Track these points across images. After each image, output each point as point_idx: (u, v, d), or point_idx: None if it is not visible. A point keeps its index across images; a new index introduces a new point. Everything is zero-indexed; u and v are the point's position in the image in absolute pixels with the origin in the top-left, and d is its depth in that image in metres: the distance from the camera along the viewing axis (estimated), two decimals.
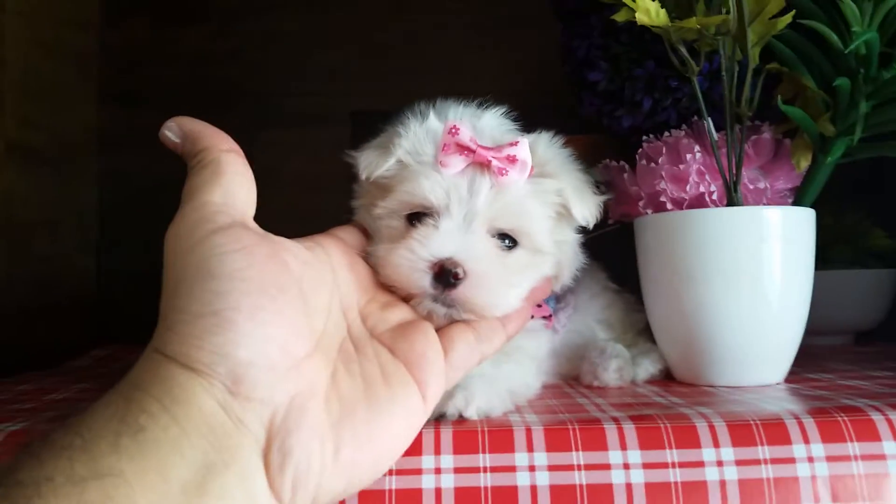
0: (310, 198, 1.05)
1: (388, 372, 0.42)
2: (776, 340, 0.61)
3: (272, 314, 0.36)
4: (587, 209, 0.55)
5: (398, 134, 0.53)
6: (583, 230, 0.58)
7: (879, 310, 0.92)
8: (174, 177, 1.09)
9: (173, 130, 0.42)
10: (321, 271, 0.43)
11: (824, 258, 0.68)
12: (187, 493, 0.31)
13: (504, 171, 0.50)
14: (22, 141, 0.89)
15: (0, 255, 0.85)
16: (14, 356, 0.83)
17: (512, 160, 0.50)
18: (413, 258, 0.48)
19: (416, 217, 0.51)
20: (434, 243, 0.48)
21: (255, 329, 0.35)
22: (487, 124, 0.54)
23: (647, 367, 0.65)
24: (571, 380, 0.66)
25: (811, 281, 0.61)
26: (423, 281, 0.47)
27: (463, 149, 0.50)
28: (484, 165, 0.50)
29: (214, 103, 1.11)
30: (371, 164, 0.53)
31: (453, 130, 0.50)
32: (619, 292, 0.73)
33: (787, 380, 0.62)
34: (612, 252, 0.70)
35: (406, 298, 0.49)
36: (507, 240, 0.52)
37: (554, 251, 0.54)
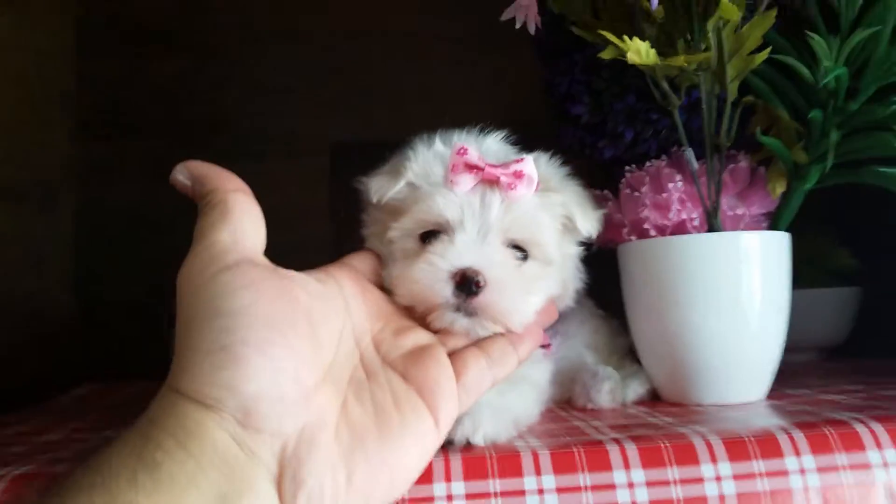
0: (290, 231, 1.06)
1: (399, 399, 0.43)
2: (757, 358, 0.63)
3: (280, 347, 0.37)
4: (590, 222, 0.57)
5: (407, 158, 0.55)
6: (583, 245, 0.60)
7: (844, 327, 0.96)
8: (152, 208, 1.09)
9: (183, 174, 0.43)
10: (332, 302, 0.44)
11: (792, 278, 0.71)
12: None
13: (513, 186, 0.52)
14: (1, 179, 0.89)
15: None
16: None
17: (519, 175, 0.52)
18: (433, 270, 0.49)
19: (431, 236, 0.53)
20: (453, 255, 0.50)
21: (263, 363, 0.36)
22: (491, 147, 0.57)
23: (636, 389, 0.67)
24: (564, 403, 0.68)
25: (788, 301, 0.64)
26: (444, 290, 0.49)
27: (471, 168, 0.52)
28: (493, 182, 0.53)
29: (192, 136, 1.11)
30: (382, 187, 0.55)
31: (462, 151, 0.52)
32: (604, 318, 0.75)
33: (769, 396, 0.65)
34: (596, 278, 0.72)
35: (423, 315, 0.50)
36: (519, 251, 0.54)
37: (560, 264, 0.57)
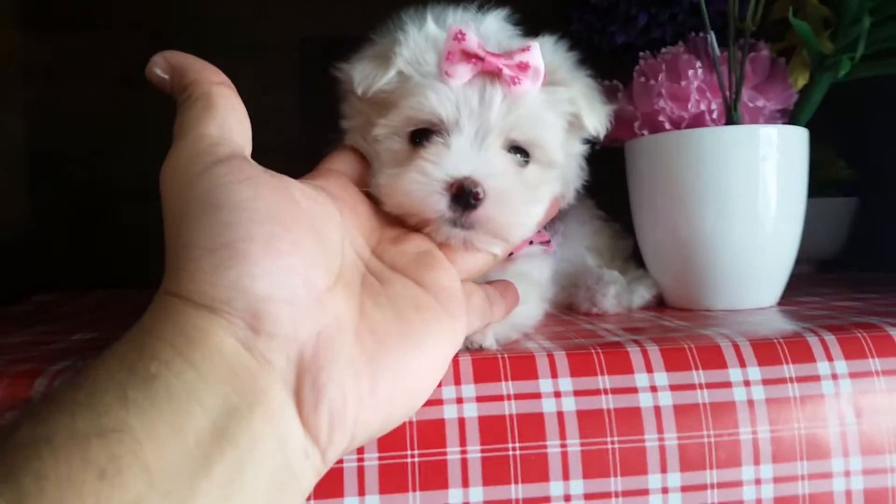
0: (257, 132, 1.00)
1: (419, 302, 0.39)
2: (772, 263, 0.60)
3: (288, 244, 0.33)
4: (598, 119, 0.52)
5: (397, 42, 0.48)
6: (590, 142, 0.55)
7: (840, 239, 0.94)
8: (107, 106, 1.01)
9: (160, 65, 0.38)
10: (329, 209, 0.39)
11: None
12: (205, 446, 0.28)
13: (517, 80, 0.46)
14: None
15: None
16: None
17: (524, 67, 0.46)
18: (426, 180, 0.44)
19: (422, 135, 0.47)
20: (448, 162, 0.44)
21: (271, 260, 0.32)
22: (491, 28, 0.50)
23: (643, 294, 0.64)
24: (565, 307, 0.64)
25: (804, 203, 0.61)
26: (439, 204, 0.43)
27: (470, 56, 0.46)
28: (493, 74, 0.46)
29: (151, 31, 1.02)
30: (368, 76, 0.48)
31: (459, 36, 0.45)
32: (606, 220, 0.71)
33: (780, 303, 0.62)
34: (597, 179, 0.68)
35: (418, 227, 0.45)
36: (520, 154, 0.48)
37: (563, 165, 0.52)
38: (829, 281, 0.82)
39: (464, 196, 0.43)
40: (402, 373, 0.36)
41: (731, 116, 0.59)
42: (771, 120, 0.64)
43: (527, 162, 0.49)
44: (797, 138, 0.59)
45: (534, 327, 0.52)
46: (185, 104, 0.37)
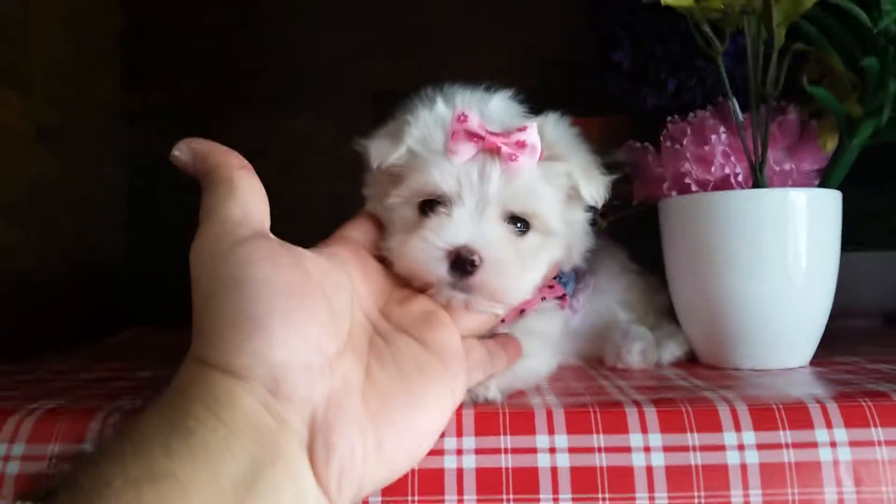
0: (335, 181, 1.06)
1: (421, 363, 0.43)
2: (801, 323, 0.60)
3: (303, 316, 0.37)
4: (595, 189, 0.55)
5: (407, 122, 0.53)
6: (593, 209, 0.57)
7: None
8: None
9: (183, 151, 0.42)
10: (339, 277, 0.44)
11: (853, 238, 0.67)
12: (238, 491, 0.32)
13: (514, 157, 0.50)
14: (51, 122, 0.90)
15: (31, 235, 0.86)
16: (46, 335, 0.85)
17: (521, 145, 0.50)
18: (429, 248, 0.48)
19: (429, 205, 0.51)
20: (448, 232, 0.48)
21: (289, 331, 0.36)
22: (496, 109, 0.54)
23: (672, 350, 0.65)
24: (595, 361, 0.66)
25: (837, 263, 0.61)
26: (439, 270, 0.48)
27: (472, 136, 0.50)
28: (494, 151, 0.50)
29: (236, 84, 1.11)
30: (382, 152, 0.53)
31: (462, 118, 0.50)
32: (640, 273, 0.72)
33: (813, 362, 0.62)
34: (637, 234, 0.69)
35: (422, 289, 0.49)
36: (520, 223, 0.52)
37: (564, 232, 0.55)
38: (887, 338, 0.80)
39: (461, 263, 0.47)
40: (404, 430, 0.40)
41: (757, 179, 0.60)
42: (808, 180, 0.64)
43: (526, 231, 0.52)
44: (827, 201, 0.59)
45: (544, 379, 0.55)
46: (210, 187, 0.41)
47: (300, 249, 0.42)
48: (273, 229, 0.42)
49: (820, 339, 0.62)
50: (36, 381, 0.60)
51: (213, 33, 1.13)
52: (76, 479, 0.30)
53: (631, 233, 0.70)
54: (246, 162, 0.43)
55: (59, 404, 0.50)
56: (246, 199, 0.41)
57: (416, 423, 0.41)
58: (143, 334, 0.95)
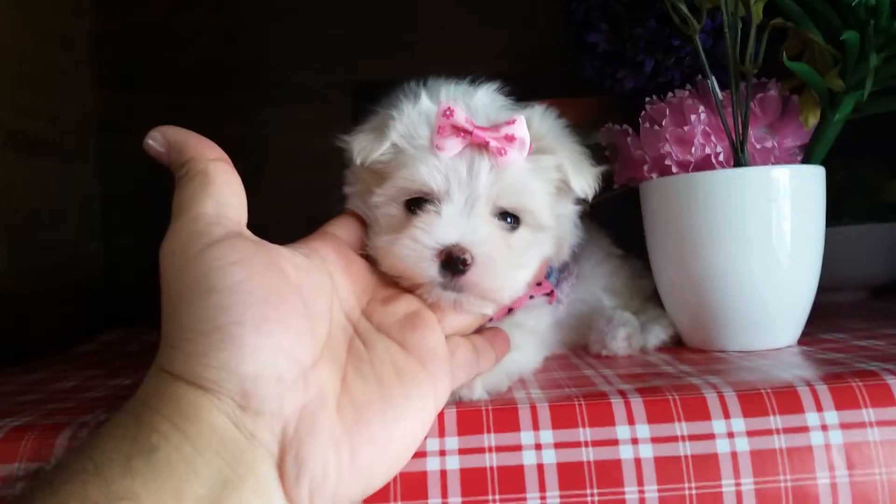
0: (314, 175, 1.04)
1: (400, 368, 0.42)
2: (787, 303, 0.59)
3: (276, 324, 0.36)
4: (586, 182, 0.53)
5: (391, 117, 0.51)
6: (582, 201, 0.56)
7: (894, 264, 0.90)
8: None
9: (157, 140, 0.40)
10: (319, 277, 0.42)
11: (838, 212, 0.67)
12: None
13: (503, 151, 0.48)
14: (20, 128, 0.88)
15: (2, 243, 0.84)
16: (21, 345, 0.83)
17: (510, 139, 0.49)
18: (418, 247, 0.46)
19: (416, 203, 0.50)
20: (438, 230, 0.47)
21: (260, 342, 0.35)
22: (481, 102, 0.52)
23: (658, 334, 0.64)
24: (579, 349, 0.65)
25: (822, 240, 0.60)
26: (430, 270, 0.46)
27: (459, 130, 0.48)
28: (482, 146, 0.49)
29: (212, 82, 1.09)
30: (365, 148, 0.51)
31: (448, 112, 0.49)
32: (624, 258, 0.71)
33: (801, 341, 0.61)
34: (620, 216, 0.68)
35: (410, 289, 0.48)
36: (510, 219, 0.51)
37: (554, 227, 0.53)
38: (873, 311, 0.79)
39: (452, 262, 0.46)
40: (382, 442, 0.38)
41: (738, 158, 0.58)
42: (788, 157, 0.63)
43: (516, 226, 0.51)
44: (811, 177, 0.58)
45: (531, 373, 0.54)
46: (183, 181, 0.39)
47: (277, 248, 0.40)
48: (250, 226, 0.40)
49: (806, 318, 0.61)
50: (6, 395, 0.59)
51: (188, 33, 1.10)
52: (29, 503, 0.29)
53: (612, 216, 0.68)
54: (222, 153, 0.41)
55: (26, 421, 0.48)
56: (221, 194, 0.39)
57: (395, 433, 0.39)
58: (116, 338, 0.93)
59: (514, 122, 0.49)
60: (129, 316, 1.02)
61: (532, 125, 0.51)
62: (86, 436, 0.33)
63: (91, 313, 1.03)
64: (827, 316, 0.74)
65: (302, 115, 1.09)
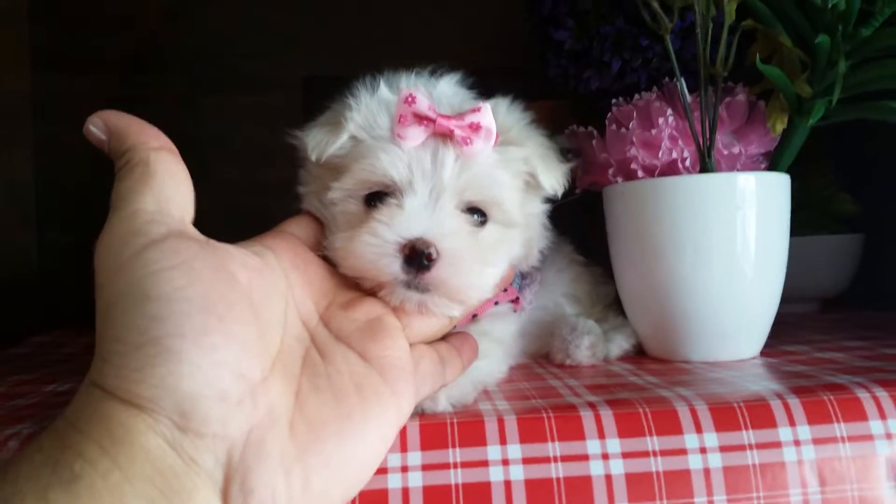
0: (260, 169, 1.00)
1: (360, 382, 0.38)
2: (751, 313, 0.58)
3: (220, 336, 0.32)
4: (555, 178, 0.51)
5: (348, 107, 0.48)
6: (549, 201, 0.54)
7: (845, 276, 0.91)
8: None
9: (98, 126, 0.37)
10: (273, 279, 0.39)
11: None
12: None
13: (468, 141, 0.46)
14: None
15: None
16: None
17: (475, 128, 0.46)
18: (379, 242, 0.43)
19: (376, 198, 0.47)
20: (401, 223, 0.44)
21: (201, 356, 0.31)
22: (444, 92, 0.50)
23: (621, 343, 0.62)
24: (541, 358, 0.63)
25: (786, 250, 0.59)
26: (392, 266, 0.43)
27: (421, 119, 0.45)
28: (446, 136, 0.46)
29: (156, 67, 1.04)
30: (321, 143, 0.48)
31: (409, 99, 0.45)
32: (586, 265, 0.69)
33: (763, 352, 0.60)
34: (578, 223, 0.67)
35: (372, 291, 0.44)
36: (477, 214, 0.48)
37: (523, 225, 0.51)
38: (827, 323, 0.80)
39: (417, 257, 0.43)
40: (338, 463, 0.35)
41: (705, 164, 0.57)
42: (754, 163, 0.62)
43: (484, 222, 0.48)
44: (777, 185, 0.57)
45: (496, 383, 0.51)
46: (123, 171, 0.36)
47: (226, 248, 0.37)
48: (197, 223, 0.37)
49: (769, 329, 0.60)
50: None
51: (133, 18, 1.05)
52: None
53: (571, 222, 0.67)
54: (167, 141, 0.37)
55: None
56: (163, 187, 0.35)
57: (353, 453, 0.36)
58: (50, 340, 0.87)
59: (478, 110, 0.46)
60: (66, 315, 0.96)
61: (498, 116, 0.48)
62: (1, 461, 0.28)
63: (23, 312, 0.97)
64: (782, 327, 0.73)
65: (245, 104, 1.05)
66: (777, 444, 0.42)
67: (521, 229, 0.51)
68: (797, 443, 0.43)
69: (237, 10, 1.06)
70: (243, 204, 0.95)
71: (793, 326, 0.76)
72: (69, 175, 1.03)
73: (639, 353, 0.64)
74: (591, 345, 0.59)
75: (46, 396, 0.54)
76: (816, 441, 0.43)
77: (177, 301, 0.31)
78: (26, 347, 0.83)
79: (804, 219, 0.88)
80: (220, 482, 0.31)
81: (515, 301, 0.56)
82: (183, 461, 0.30)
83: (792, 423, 0.43)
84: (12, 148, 0.99)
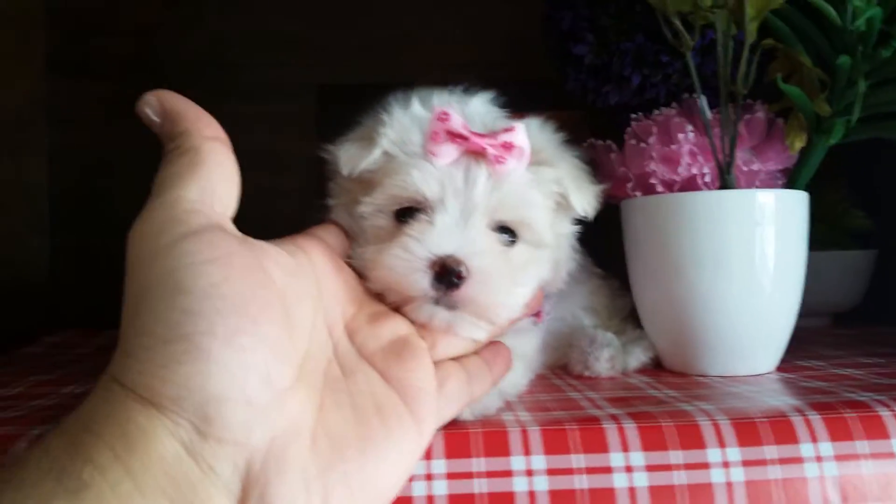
0: (272, 177, 1.00)
1: (381, 403, 0.37)
2: (769, 328, 0.59)
3: (252, 338, 0.31)
4: (586, 199, 0.51)
5: (382, 123, 0.48)
6: (579, 222, 0.54)
7: (857, 291, 0.91)
8: (127, 152, 1.03)
9: (152, 106, 0.36)
10: (305, 283, 0.38)
11: None
12: None
13: (501, 160, 0.46)
14: None
15: None
16: None
17: (508, 147, 0.46)
18: (410, 257, 0.43)
19: (407, 213, 0.47)
20: (432, 240, 0.43)
21: (230, 357, 0.30)
22: (476, 111, 0.50)
23: (639, 356, 0.62)
24: (558, 369, 0.63)
25: (804, 266, 0.60)
26: (422, 282, 0.42)
27: (454, 136, 0.45)
28: (478, 154, 0.46)
29: (172, 74, 1.05)
30: (353, 157, 0.48)
31: (443, 116, 0.46)
32: (604, 278, 0.70)
33: (779, 367, 0.60)
34: (596, 234, 0.67)
35: (399, 305, 0.44)
36: (507, 234, 0.48)
37: (553, 245, 0.51)
38: (841, 338, 0.80)
39: (447, 274, 0.42)
40: (358, 486, 0.33)
41: (724, 180, 0.58)
42: (772, 180, 0.62)
43: (514, 242, 0.48)
44: (796, 202, 0.58)
45: (516, 396, 0.52)
46: (171, 155, 0.35)
47: (263, 246, 0.36)
48: None
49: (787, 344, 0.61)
50: None
51: (148, 25, 1.06)
52: None
53: (590, 234, 0.67)
54: (221, 132, 0.36)
55: None
56: (210, 178, 0.34)
57: (374, 475, 0.34)
58: (64, 340, 0.88)
59: (512, 129, 0.46)
60: (75, 317, 0.97)
61: (530, 136, 0.48)
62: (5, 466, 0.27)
63: (34, 316, 0.98)
64: (795, 342, 0.73)
65: (260, 113, 1.05)
66: (799, 460, 0.42)
67: (550, 250, 0.51)
68: (819, 459, 0.43)
69: (253, 19, 1.06)
70: (257, 212, 0.95)
71: (805, 341, 0.76)
72: (82, 180, 1.03)
73: (656, 366, 0.64)
74: (610, 357, 0.59)
75: (65, 398, 0.54)
76: (839, 458, 0.43)
77: (211, 298, 0.30)
78: (39, 346, 0.83)
79: (818, 234, 0.88)
80: (238, 494, 0.30)
81: (537, 315, 0.57)
82: (200, 469, 0.29)
83: (814, 439, 0.43)
84: (26, 153, 1.00)
